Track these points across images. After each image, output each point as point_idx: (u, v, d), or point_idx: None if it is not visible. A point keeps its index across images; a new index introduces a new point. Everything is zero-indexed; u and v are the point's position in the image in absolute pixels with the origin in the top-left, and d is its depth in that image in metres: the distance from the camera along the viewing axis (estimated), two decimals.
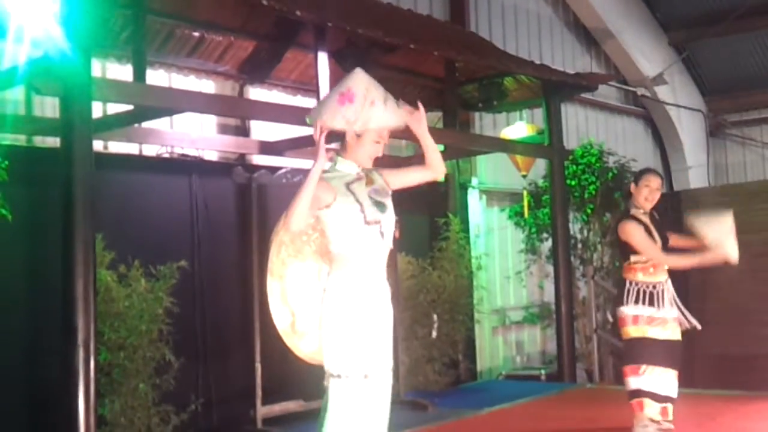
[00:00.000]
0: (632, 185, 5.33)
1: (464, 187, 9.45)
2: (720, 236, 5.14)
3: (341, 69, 7.14)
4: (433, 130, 8.34)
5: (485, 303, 9.31)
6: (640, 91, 13.27)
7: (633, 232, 5.17)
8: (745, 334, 8.77)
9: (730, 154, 14.65)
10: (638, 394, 5.25)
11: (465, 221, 9.01)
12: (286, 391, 6.45)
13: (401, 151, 8.94)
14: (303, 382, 6.62)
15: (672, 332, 5.25)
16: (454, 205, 8.95)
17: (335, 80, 6.80)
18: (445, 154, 8.56)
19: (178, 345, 5.70)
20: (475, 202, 9.75)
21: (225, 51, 6.98)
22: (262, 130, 7.37)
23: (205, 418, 6.12)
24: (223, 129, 7.30)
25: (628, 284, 5.25)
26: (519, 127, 9.46)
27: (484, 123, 10.16)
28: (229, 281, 6.54)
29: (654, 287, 5.22)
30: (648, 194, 5.25)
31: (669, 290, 5.28)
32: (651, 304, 5.20)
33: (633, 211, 5.26)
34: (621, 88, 13.22)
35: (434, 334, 7.88)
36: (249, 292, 6.26)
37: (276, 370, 6.34)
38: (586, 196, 9.40)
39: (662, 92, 13.35)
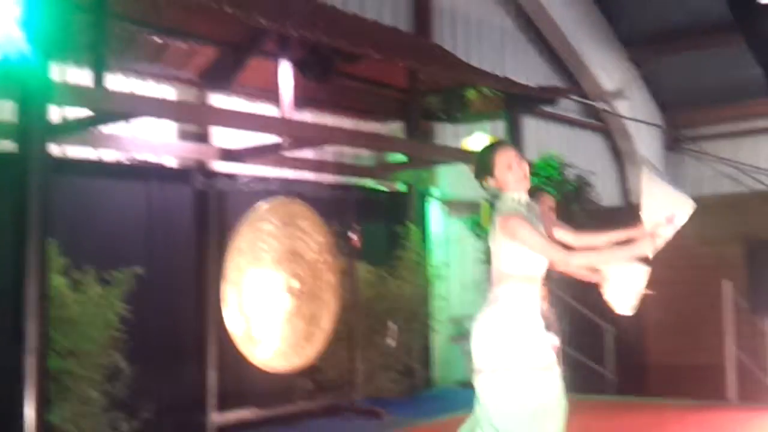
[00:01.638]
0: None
1: (424, 197, 9.51)
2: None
3: (304, 77, 7.18)
4: (396, 140, 8.49)
5: (443, 312, 9.37)
6: (600, 105, 13.45)
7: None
8: (694, 344, 8.94)
9: (686, 168, 14.91)
10: None
11: (425, 231, 9.07)
12: (241, 398, 6.44)
13: (364, 160, 8.99)
14: (258, 390, 6.66)
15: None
16: (414, 214, 9.00)
17: (298, 89, 6.86)
18: (407, 164, 8.65)
19: (131, 351, 5.66)
20: (435, 211, 9.82)
21: (187, 57, 6.96)
22: (223, 137, 7.37)
23: (157, 426, 6.07)
24: (184, 135, 7.28)
25: None
26: (480, 138, 9.53)
27: (446, 134, 10.23)
28: (185, 288, 6.52)
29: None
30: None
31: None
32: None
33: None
34: (581, 102, 13.39)
35: (391, 342, 7.92)
36: (205, 299, 6.25)
37: (231, 378, 6.33)
38: None
39: (621, 107, 13.55)
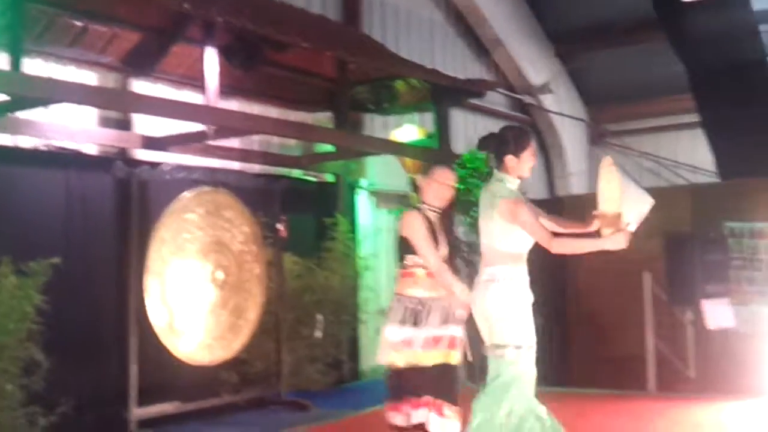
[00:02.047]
0: (420, 178, 4.50)
1: (353, 188, 9.47)
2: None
3: (229, 64, 7.05)
4: (324, 130, 8.42)
5: (371, 303, 9.35)
6: (527, 99, 13.61)
7: (415, 228, 4.38)
8: (616, 336, 9.12)
9: None
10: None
11: (353, 222, 9.03)
12: (163, 392, 6.31)
13: (291, 150, 8.89)
14: (182, 383, 6.53)
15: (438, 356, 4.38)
16: (343, 205, 8.95)
17: (223, 75, 6.74)
18: (335, 155, 8.59)
19: (48, 344, 5.50)
20: (363, 203, 9.79)
21: (109, 42, 6.77)
22: (146, 124, 7.19)
23: (76, 421, 5.90)
24: (105, 122, 7.07)
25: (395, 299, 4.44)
26: (409, 130, 9.55)
27: (375, 125, 10.20)
28: (105, 279, 6.35)
29: (422, 303, 4.39)
30: (439, 191, 4.44)
31: (442, 309, 4.40)
32: (418, 323, 4.38)
33: (421, 207, 4.48)
34: (508, 96, 13.52)
35: (318, 334, 7.87)
36: (126, 290, 6.10)
37: (152, 371, 6.20)
38: (472, 199, 9.57)
39: (547, 101, 13.74)
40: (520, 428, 4.02)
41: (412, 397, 4.40)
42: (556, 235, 4.11)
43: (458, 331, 4.42)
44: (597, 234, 4.12)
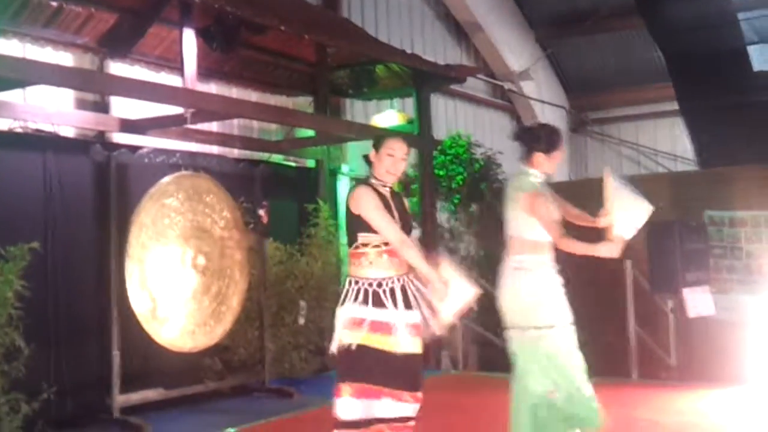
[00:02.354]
0: (372, 152, 4.14)
1: (334, 174, 9.37)
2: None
3: (208, 47, 6.94)
4: (304, 115, 8.33)
5: None
6: (507, 85, 13.58)
7: (368, 202, 3.99)
8: (599, 323, 9.09)
9: (590, 150, 15.23)
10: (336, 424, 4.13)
11: (335, 208, 8.95)
12: (146, 378, 6.21)
13: (271, 135, 8.78)
14: (163, 370, 6.43)
15: (398, 343, 4.02)
16: (324, 191, 8.86)
17: (202, 58, 6.62)
18: (316, 140, 8.50)
19: (29, 330, 5.37)
20: (345, 188, 9.70)
21: (84, 22, 6.64)
22: (123, 106, 7.05)
23: (58, 407, 5.79)
24: (81, 104, 6.93)
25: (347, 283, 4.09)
26: (390, 116, 9.48)
27: (356, 110, 10.12)
28: (85, 264, 6.22)
29: (379, 284, 4.01)
30: (391, 165, 4.08)
31: (409, 288, 4.09)
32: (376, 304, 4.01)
33: (372, 182, 4.11)
34: (489, 82, 13.48)
35: (301, 320, 7.79)
36: (106, 276, 5.98)
37: (135, 357, 6.11)
38: (453, 186, 9.53)
39: (527, 87, 13.71)
40: (569, 403, 4.34)
41: (369, 383, 4.01)
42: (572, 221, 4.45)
43: (419, 316, 4.09)
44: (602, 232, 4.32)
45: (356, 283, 4.02)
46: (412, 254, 3.99)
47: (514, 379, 4.43)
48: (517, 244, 4.42)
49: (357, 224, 4.03)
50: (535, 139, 4.40)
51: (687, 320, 8.41)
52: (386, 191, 4.10)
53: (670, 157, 14.32)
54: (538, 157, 4.38)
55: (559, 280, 4.38)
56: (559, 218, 4.40)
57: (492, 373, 8.87)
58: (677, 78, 11.54)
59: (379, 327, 3.97)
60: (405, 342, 4.00)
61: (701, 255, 8.57)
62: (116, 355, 5.87)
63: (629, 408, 6.43)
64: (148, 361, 6.31)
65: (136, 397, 6.04)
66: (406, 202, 4.27)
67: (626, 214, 4.27)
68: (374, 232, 3.98)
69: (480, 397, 6.89)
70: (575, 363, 4.38)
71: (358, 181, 4.14)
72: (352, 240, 4.06)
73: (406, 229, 4.08)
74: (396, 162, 4.09)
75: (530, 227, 4.31)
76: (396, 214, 4.07)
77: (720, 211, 9.03)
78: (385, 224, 3.98)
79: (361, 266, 4.04)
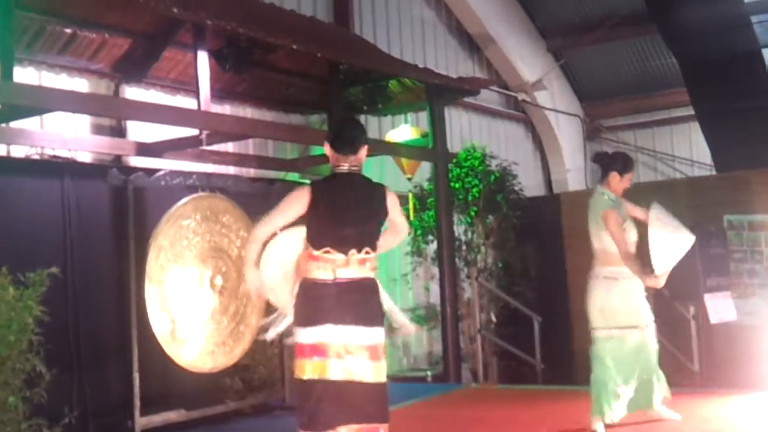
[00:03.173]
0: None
1: None
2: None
3: (222, 68, 7.00)
4: (318, 133, 8.37)
5: None
6: (521, 96, 13.58)
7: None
8: None
9: None
10: None
11: None
12: (167, 400, 6.23)
13: (287, 153, 8.84)
14: (184, 391, 6.46)
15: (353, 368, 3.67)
16: None
17: (215, 80, 6.68)
18: None
19: (50, 355, 5.40)
20: None
21: (99, 48, 6.72)
22: (139, 130, 7.13)
23: (80, 431, 5.84)
24: (98, 129, 7.02)
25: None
26: (404, 130, 9.50)
27: (370, 125, 10.16)
28: (104, 288, 6.27)
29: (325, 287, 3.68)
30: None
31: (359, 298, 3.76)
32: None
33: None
34: (502, 93, 13.49)
35: None
36: (126, 299, 6.03)
37: (155, 380, 6.13)
38: (469, 198, 9.54)
39: (541, 97, 13.71)
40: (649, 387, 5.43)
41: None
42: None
43: (380, 335, 3.74)
44: None
45: (307, 288, 3.81)
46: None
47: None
48: (604, 257, 5.26)
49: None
50: (612, 161, 5.34)
51: (709, 326, 8.35)
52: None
53: (687, 162, 14.25)
54: (614, 177, 5.31)
55: (641, 286, 5.23)
56: (633, 238, 5.22)
57: (513, 386, 8.85)
58: (692, 83, 11.49)
59: (334, 352, 3.71)
60: (369, 369, 3.74)
61: (721, 260, 8.52)
62: (136, 377, 5.90)
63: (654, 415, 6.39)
64: (168, 382, 6.34)
65: (158, 419, 6.06)
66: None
67: (668, 246, 4.84)
68: None
69: (502, 410, 6.87)
70: (654, 358, 5.42)
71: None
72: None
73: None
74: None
75: (611, 241, 5.14)
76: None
77: (739, 215, 8.95)
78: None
79: (313, 267, 3.78)
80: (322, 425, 3.60)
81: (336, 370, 3.61)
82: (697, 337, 8.57)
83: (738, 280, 8.72)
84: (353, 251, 3.77)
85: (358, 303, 3.70)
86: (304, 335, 3.67)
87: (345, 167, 3.87)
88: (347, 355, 3.62)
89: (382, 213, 3.91)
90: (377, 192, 3.91)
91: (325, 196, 3.82)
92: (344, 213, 3.80)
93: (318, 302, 3.71)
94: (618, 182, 5.31)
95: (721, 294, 8.34)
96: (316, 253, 3.75)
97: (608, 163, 5.36)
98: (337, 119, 4.02)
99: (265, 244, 3.89)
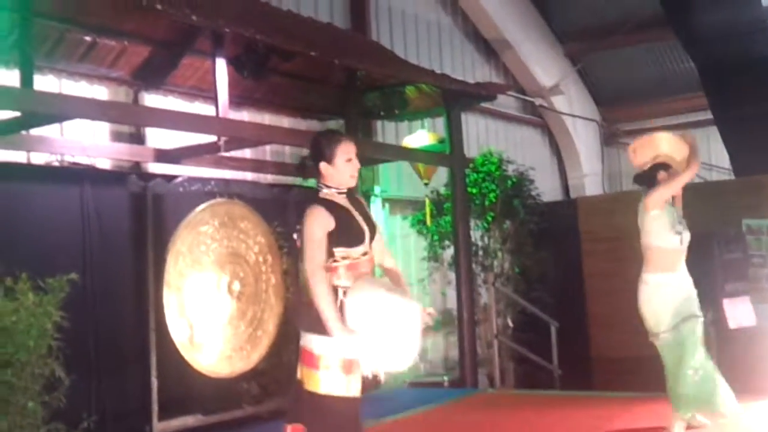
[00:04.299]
0: (322, 164, 3.78)
1: (367, 196, 9.42)
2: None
3: (240, 75, 7.04)
4: None
5: None
6: (538, 101, 13.56)
7: (312, 231, 3.71)
8: (635, 337, 8.99)
9: (624, 163, 15.12)
10: None
11: None
12: (184, 405, 6.28)
13: (284, 158, 8.84)
14: (202, 396, 6.50)
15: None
16: None
17: (233, 86, 6.73)
18: None
19: (69, 360, 5.44)
20: (377, 210, 9.75)
21: (118, 56, 6.77)
22: (158, 137, 7.18)
23: None
24: (117, 136, 7.08)
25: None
26: (421, 136, 9.52)
27: (387, 131, 10.18)
28: (123, 294, 6.32)
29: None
30: (353, 169, 3.85)
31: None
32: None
33: (326, 194, 3.80)
34: (519, 98, 13.48)
35: None
36: (144, 305, 6.08)
37: (173, 384, 6.17)
38: (486, 203, 9.54)
39: (558, 102, 13.69)
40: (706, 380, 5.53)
41: None
42: None
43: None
44: None
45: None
46: (320, 290, 3.62)
47: None
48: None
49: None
50: (646, 180, 5.62)
51: (728, 332, 8.29)
52: (344, 199, 3.82)
53: (705, 166, 14.13)
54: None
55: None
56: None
57: (530, 391, 8.84)
58: (710, 87, 11.42)
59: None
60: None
61: (740, 265, 8.48)
62: (155, 382, 5.95)
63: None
64: (186, 387, 6.38)
65: (176, 423, 6.11)
66: (365, 204, 4.01)
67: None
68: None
69: (519, 415, 6.86)
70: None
71: (311, 198, 3.82)
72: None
73: (372, 233, 3.83)
74: (356, 164, 3.85)
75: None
76: (360, 219, 3.81)
77: (758, 220, 8.91)
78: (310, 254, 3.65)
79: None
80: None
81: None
82: (716, 342, 8.52)
83: (757, 284, 8.66)
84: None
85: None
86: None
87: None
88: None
89: None
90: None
91: (342, 209, 3.81)
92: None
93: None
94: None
95: (740, 299, 8.30)
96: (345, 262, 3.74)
97: (646, 181, 5.67)
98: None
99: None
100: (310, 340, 3.69)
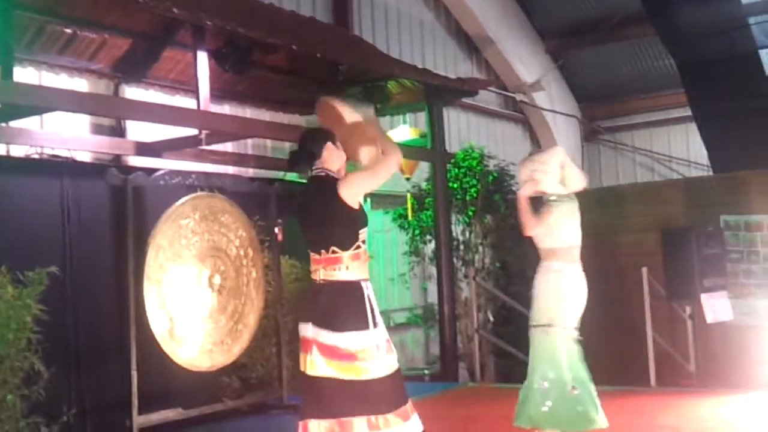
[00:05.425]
0: (328, 145, 3.92)
1: None
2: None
3: (221, 69, 7.03)
4: None
5: None
6: (519, 96, 13.62)
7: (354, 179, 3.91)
8: (616, 331, 9.07)
9: (603, 158, 15.23)
10: None
11: None
12: (165, 399, 6.25)
13: (285, 153, 8.85)
14: (182, 390, 6.48)
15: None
16: None
17: (215, 80, 6.71)
18: None
19: (48, 354, 5.43)
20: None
21: (99, 48, 6.75)
22: (139, 130, 7.15)
23: (78, 429, 5.86)
24: (97, 129, 7.05)
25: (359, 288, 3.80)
26: (402, 130, 9.53)
27: None
28: (103, 287, 6.29)
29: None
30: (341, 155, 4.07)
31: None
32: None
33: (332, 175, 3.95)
34: (501, 94, 13.53)
35: None
36: (124, 298, 6.04)
37: (153, 378, 6.14)
38: (467, 198, 9.57)
39: (539, 98, 13.75)
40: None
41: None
42: None
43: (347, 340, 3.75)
44: None
45: (365, 289, 3.82)
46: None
47: None
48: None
49: (358, 219, 3.81)
50: None
51: (705, 326, 8.38)
52: None
53: (684, 163, 14.29)
54: None
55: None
56: None
57: (510, 385, 8.87)
58: (689, 84, 11.51)
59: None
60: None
61: (718, 260, 8.56)
62: (135, 375, 5.92)
63: (649, 416, 6.42)
64: (166, 381, 6.35)
65: (156, 417, 6.08)
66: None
67: None
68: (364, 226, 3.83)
69: (499, 409, 6.88)
70: None
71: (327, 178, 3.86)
72: (350, 240, 3.78)
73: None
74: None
75: None
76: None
77: (736, 216, 8.99)
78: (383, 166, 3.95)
79: (364, 267, 3.82)
80: (300, 414, 3.81)
81: (307, 365, 3.77)
82: (693, 336, 8.61)
83: (734, 280, 8.76)
84: (323, 251, 3.85)
85: (323, 306, 3.80)
86: (300, 329, 3.87)
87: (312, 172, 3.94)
88: (317, 353, 3.75)
89: (336, 207, 3.81)
90: (329, 188, 3.85)
91: (298, 200, 4.01)
92: (304, 215, 3.94)
93: (305, 302, 3.99)
94: None
95: (718, 294, 8.38)
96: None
97: None
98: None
99: None
100: (341, 339, 3.71)
